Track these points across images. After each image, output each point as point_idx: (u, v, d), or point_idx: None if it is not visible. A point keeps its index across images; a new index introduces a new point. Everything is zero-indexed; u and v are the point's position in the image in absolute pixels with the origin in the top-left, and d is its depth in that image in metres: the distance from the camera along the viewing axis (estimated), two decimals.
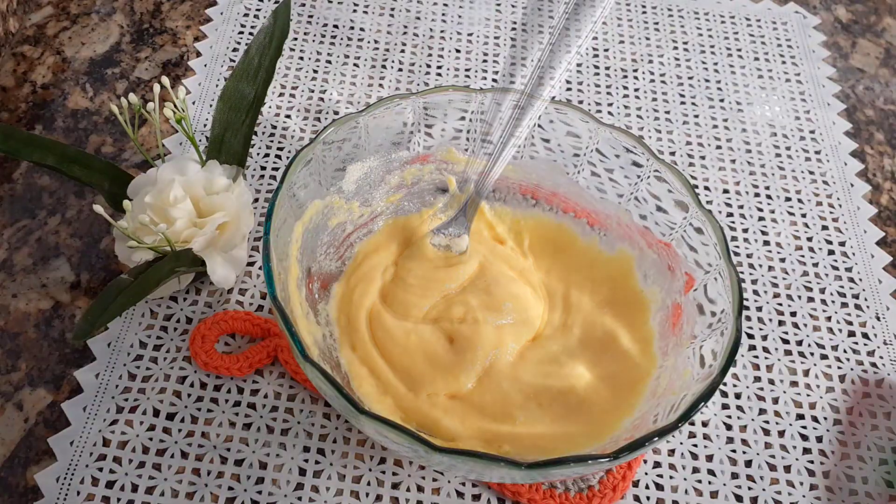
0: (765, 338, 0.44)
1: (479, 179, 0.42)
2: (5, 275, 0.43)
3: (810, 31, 0.60)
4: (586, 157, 0.40)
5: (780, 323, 0.44)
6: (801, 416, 0.41)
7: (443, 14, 0.58)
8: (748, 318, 0.44)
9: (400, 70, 0.54)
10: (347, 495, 0.37)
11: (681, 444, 0.40)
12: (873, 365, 0.43)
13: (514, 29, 0.57)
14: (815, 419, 0.41)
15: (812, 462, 0.39)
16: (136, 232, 0.39)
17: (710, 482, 0.38)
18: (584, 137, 0.40)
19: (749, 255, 0.47)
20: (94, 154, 0.46)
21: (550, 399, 0.36)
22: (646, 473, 0.38)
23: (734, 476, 0.39)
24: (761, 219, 0.49)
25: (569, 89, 0.54)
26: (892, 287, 0.46)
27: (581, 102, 0.53)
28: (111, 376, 0.39)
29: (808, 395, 0.42)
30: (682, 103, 0.54)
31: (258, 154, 0.49)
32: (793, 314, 0.45)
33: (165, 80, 0.43)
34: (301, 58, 0.54)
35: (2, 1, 0.51)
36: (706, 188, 0.50)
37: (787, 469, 0.39)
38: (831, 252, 0.48)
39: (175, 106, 0.42)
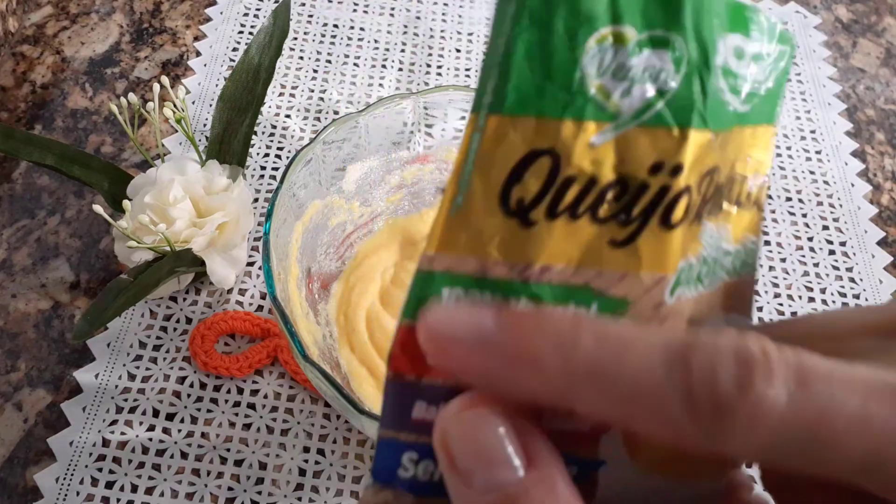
0: None
1: None
2: (5, 275, 0.43)
3: (811, 30, 0.60)
4: None
5: None
6: None
7: (443, 14, 0.58)
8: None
9: (400, 70, 0.54)
10: (347, 495, 0.37)
11: None
12: None
13: None
14: None
15: None
16: (135, 232, 0.39)
17: None
18: None
19: None
20: (93, 154, 0.46)
21: None
22: None
23: None
24: (762, 219, 0.49)
25: None
26: (893, 287, 0.46)
27: None
28: (111, 376, 0.39)
29: None
30: None
31: (258, 154, 0.49)
32: (793, 314, 0.45)
33: (165, 80, 0.43)
34: (301, 58, 0.54)
35: (1, 1, 0.51)
36: None
37: None
38: (832, 252, 0.47)
39: (175, 106, 0.42)
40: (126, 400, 0.38)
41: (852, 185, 0.51)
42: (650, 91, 0.14)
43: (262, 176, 0.48)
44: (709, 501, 0.17)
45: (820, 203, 0.50)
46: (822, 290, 0.46)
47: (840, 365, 0.13)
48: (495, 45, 0.14)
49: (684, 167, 0.14)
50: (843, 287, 0.46)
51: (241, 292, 0.43)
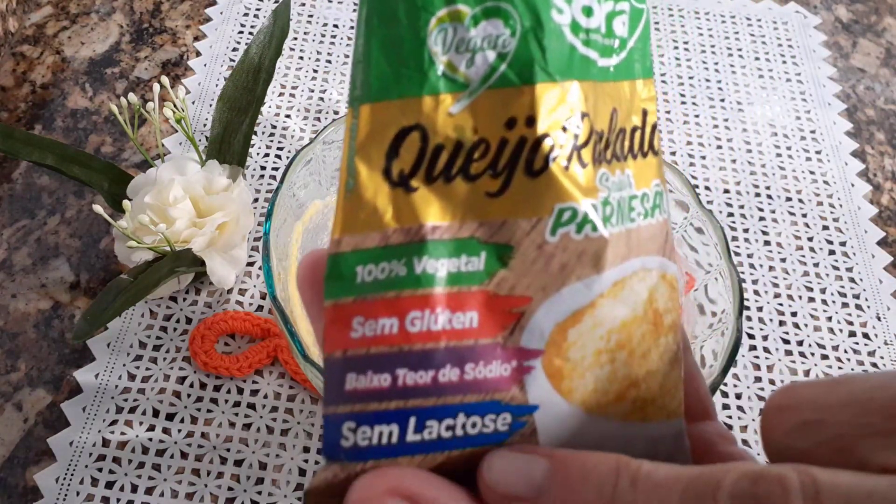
0: (765, 338, 0.44)
1: None
2: (5, 275, 0.43)
3: (811, 30, 0.60)
4: None
5: (781, 323, 0.44)
6: None
7: None
8: (749, 318, 0.44)
9: None
10: None
11: None
12: (874, 365, 0.43)
13: None
14: None
15: None
16: (135, 232, 0.39)
17: None
18: None
19: (749, 255, 0.47)
20: (93, 154, 0.46)
21: None
22: None
23: None
24: (762, 219, 0.49)
25: None
26: (893, 287, 0.46)
27: None
28: (111, 376, 0.39)
29: None
30: (683, 103, 0.54)
31: (258, 154, 0.49)
32: (793, 314, 0.45)
33: (165, 80, 0.43)
34: (301, 58, 0.54)
35: (2, 1, 0.51)
36: (706, 188, 0.50)
37: None
38: (832, 252, 0.47)
39: (175, 106, 0.42)
40: (126, 400, 0.38)
41: (852, 185, 0.51)
42: (491, 57, 0.16)
43: (262, 176, 0.48)
44: (669, 443, 0.17)
45: (820, 203, 0.50)
46: (822, 290, 0.46)
47: (858, 481, 0.13)
48: (357, 45, 0.16)
49: (537, 118, 0.16)
50: (843, 287, 0.46)
51: (241, 292, 0.43)
